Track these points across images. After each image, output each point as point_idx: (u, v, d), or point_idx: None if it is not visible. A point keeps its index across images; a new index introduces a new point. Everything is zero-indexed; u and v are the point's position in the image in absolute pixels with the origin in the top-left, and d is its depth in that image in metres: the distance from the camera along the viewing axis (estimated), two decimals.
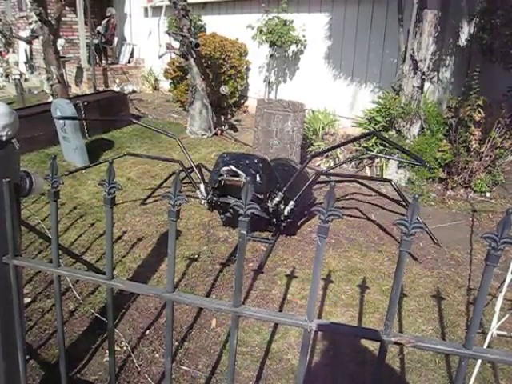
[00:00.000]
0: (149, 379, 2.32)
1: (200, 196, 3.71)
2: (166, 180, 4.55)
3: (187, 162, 4.10)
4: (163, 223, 4.01)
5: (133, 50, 11.58)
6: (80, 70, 10.16)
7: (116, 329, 2.64)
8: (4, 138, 1.47)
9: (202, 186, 3.73)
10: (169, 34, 7.04)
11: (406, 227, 1.04)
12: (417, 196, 1.05)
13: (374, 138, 5.41)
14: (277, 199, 3.44)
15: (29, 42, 10.78)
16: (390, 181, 3.97)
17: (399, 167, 5.04)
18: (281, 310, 2.88)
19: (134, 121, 4.83)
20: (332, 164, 5.64)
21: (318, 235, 1.09)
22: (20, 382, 1.64)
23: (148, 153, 5.94)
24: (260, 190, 3.34)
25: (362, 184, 4.44)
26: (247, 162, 3.38)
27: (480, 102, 4.70)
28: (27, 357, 1.88)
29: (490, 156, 4.71)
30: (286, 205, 3.51)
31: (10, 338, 1.56)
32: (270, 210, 3.44)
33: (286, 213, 3.49)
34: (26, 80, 10.82)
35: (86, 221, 4.05)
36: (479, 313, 1.07)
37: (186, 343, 2.60)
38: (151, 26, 10.03)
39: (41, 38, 7.44)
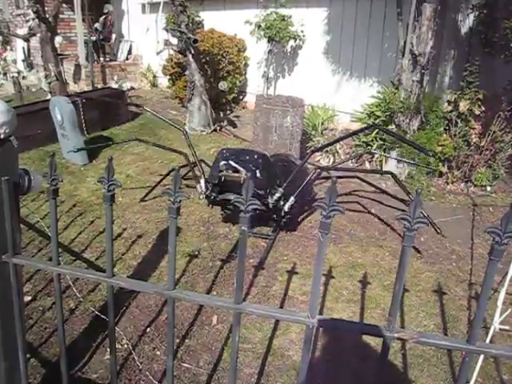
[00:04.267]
0: (150, 377, 2.32)
1: (200, 191, 3.70)
2: (165, 176, 4.54)
3: (190, 156, 4.09)
4: (163, 220, 3.99)
5: (131, 46, 11.54)
6: (78, 67, 10.13)
7: (117, 327, 2.64)
8: (2, 136, 1.46)
9: (202, 181, 3.71)
10: (167, 31, 7.01)
11: (409, 222, 1.03)
12: (419, 190, 1.04)
13: (374, 132, 5.40)
14: (277, 195, 3.43)
15: (26, 39, 10.72)
16: (391, 173, 3.96)
17: (399, 162, 5.02)
18: (282, 307, 2.88)
19: (146, 108, 4.76)
20: (332, 159, 5.63)
21: (320, 231, 1.08)
22: (21, 381, 1.63)
23: (147, 149, 5.92)
24: (260, 185, 3.33)
25: (362, 180, 4.42)
26: (247, 157, 3.37)
27: (480, 96, 4.69)
28: (28, 355, 1.88)
29: (491, 150, 4.69)
30: (286, 200, 3.49)
31: (11, 337, 1.55)
32: (271, 205, 3.43)
33: (286, 208, 3.48)
34: (24, 78, 10.76)
35: (86, 218, 4.04)
36: (483, 308, 1.06)
37: (187, 340, 2.59)
38: (149, 22, 9.99)
39: (38, 35, 7.40)
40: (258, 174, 3.32)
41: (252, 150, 3.83)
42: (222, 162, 3.37)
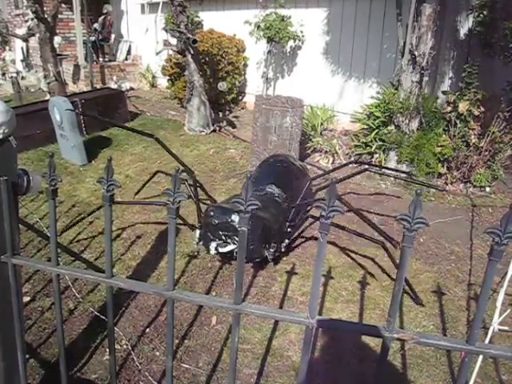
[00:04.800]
0: (149, 377, 2.32)
1: (195, 240, 3.43)
2: (153, 175, 4.51)
3: (186, 160, 4.07)
4: (162, 220, 3.99)
5: (130, 47, 11.54)
6: (77, 67, 10.13)
7: (116, 327, 2.63)
8: (1, 136, 1.45)
9: (197, 232, 3.40)
10: (166, 31, 7.01)
11: (409, 222, 1.03)
12: (419, 191, 1.04)
13: (374, 133, 5.40)
14: (272, 250, 3.23)
15: (25, 39, 10.72)
16: (382, 244, 3.23)
17: (398, 162, 5.02)
18: (281, 307, 2.88)
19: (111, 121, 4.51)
20: (331, 160, 5.63)
21: (320, 231, 1.07)
22: (20, 382, 1.63)
23: (146, 150, 5.92)
24: (254, 243, 3.13)
25: (367, 164, 4.44)
26: (235, 220, 3.06)
27: (479, 97, 4.69)
28: (27, 356, 1.87)
29: (490, 151, 4.70)
30: (282, 242, 3.38)
31: (9, 337, 1.55)
32: (269, 259, 3.29)
33: (283, 249, 3.39)
34: (22, 78, 10.77)
35: (85, 219, 4.03)
36: (482, 308, 1.06)
37: (186, 341, 2.59)
38: (148, 22, 10.00)
39: (37, 35, 7.41)
40: (251, 243, 3.09)
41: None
42: (212, 246, 3.14)
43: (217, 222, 3.12)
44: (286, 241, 3.43)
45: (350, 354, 2.48)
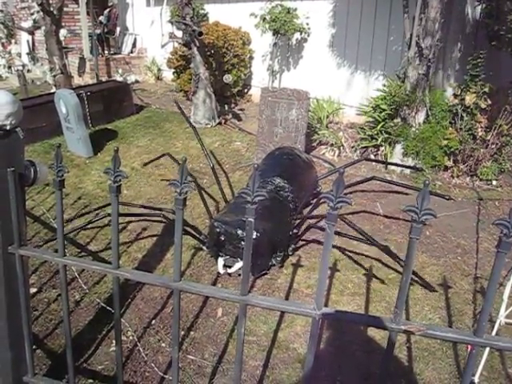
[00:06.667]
0: (155, 368, 2.33)
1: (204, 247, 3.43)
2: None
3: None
4: (168, 213, 3.99)
5: (135, 39, 11.51)
6: (83, 60, 10.11)
7: (122, 319, 2.65)
8: (8, 127, 1.46)
9: (204, 247, 3.44)
10: (171, 23, 6.99)
11: (416, 214, 1.03)
12: (427, 182, 1.04)
13: (380, 125, 5.37)
14: (278, 258, 3.26)
15: (31, 32, 10.73)
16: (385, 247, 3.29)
17: (404, 155, 5.00)
18: (287, 299, 2.88)
19: None
20: (337, 153, 5.61)
21: (327, 222, 1.07)
22: (27, 371, 1.64)
23: (151, 143, 5.92)
24: (260, 258, 3.12)
25: (374, 161, 4.47)
26: (241, 233, 3.05)
27: (486, 89, 4.65)
28: (34, 346, 1.89)
29: (497, 144, 4.67)
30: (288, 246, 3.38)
31: (17, 328, 1.56)
32: (276, 266, 3.27)
33: (290, 252, 3.40)
34: (28, 71, 10.77)
35: (91, 212, 4.04)
36: (490, 300, 1.06)
37: (192, 332, 2.60)
38: (153, 15, 9.96)
39: (43, 28, 7.39)
40: (258, 259, 3.08)
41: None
42: (220, 264, 3.13)
43: (223, 238, 3.13)
44: (293, 246, 3.41)
45: (356, 346, 2.48)
